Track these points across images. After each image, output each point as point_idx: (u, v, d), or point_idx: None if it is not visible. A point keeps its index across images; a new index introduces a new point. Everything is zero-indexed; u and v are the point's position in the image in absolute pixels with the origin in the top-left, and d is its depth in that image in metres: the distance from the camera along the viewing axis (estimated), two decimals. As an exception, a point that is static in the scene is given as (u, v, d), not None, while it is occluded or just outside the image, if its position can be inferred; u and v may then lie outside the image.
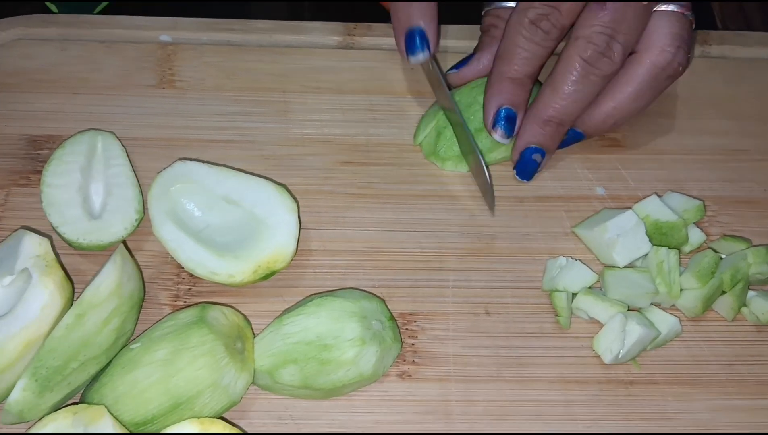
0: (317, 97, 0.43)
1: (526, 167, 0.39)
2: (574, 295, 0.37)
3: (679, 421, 0.34)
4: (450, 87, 0.41)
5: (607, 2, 0.36)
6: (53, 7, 0.49)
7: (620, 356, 0.35)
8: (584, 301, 0.36)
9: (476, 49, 0.42)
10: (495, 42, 0.40)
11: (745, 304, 0.37)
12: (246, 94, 0.43)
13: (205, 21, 0.45)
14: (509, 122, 0.38)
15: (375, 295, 0.36)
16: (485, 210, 0.40)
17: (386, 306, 0.35)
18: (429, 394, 0.34)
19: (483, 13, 0.42)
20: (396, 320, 0.35)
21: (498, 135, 0.38)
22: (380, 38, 0.45)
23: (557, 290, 0.36)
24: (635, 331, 0.35)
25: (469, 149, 0.39)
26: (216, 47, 0.44)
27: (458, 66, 0.42)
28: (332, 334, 0.32)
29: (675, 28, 0.38)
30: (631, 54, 0.38)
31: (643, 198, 0.39)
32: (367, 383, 0.34)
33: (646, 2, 0.37)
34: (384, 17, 0.45)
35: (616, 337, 0.35)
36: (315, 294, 0.35)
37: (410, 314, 0.37)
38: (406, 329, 0.36)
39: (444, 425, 0.34)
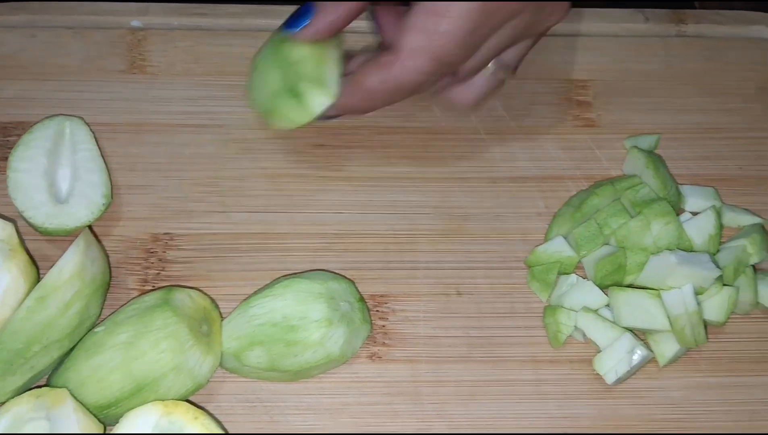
0: (289, 81, 0.43)
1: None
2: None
3: (650, 398, 0.34)
4: None
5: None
6: None
7: (621, 378, 0.34)
8: (585, 321, 0.34)
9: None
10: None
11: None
12: (217, 78, 0.42)
13: (176, 6, 0.45)
14: (304, 14, 0.33)
15: (344, 277, 0.36)
16: (458, 191, 0.39)
17: (356, 287, 0.35)
18: (399, 376, 0.34)
19: None
20: (366, 302, 0.35)
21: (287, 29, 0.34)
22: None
23: (562, 307, 0.35)
24: (641, 355, 0.34)
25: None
26: (186, 32, 0.44)
27: (295, 22, 0.35)
28: (298, 315, 0.32)
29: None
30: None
31: (616, 177, 0.39)
32: (335, 365, 0.34)
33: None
34: None
35: (623, 359, 0.34)
36: (283, 276, 0.35)
37: (381, 296, 0.36)
38: (377, 311, 0.36)
39: (413, 406, 0.33)
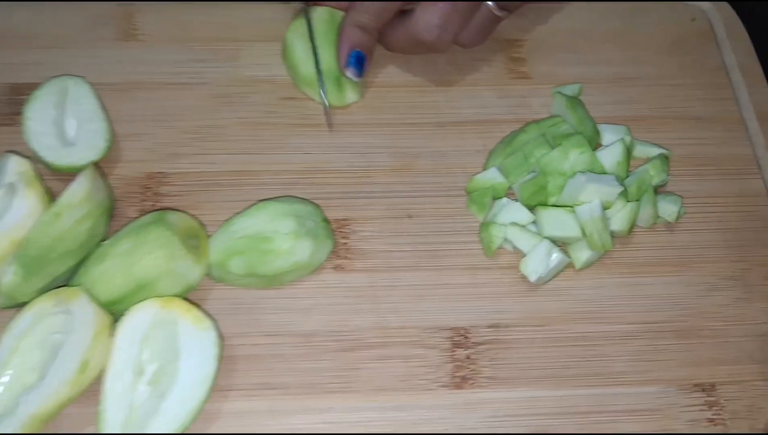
0: (263, 45, 0.49)
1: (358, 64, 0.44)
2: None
3: (568, 296, 0.40)
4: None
5: None
6: None
7: (542, 277, 0.40)
8: (513, 233, 0.41)
9: None
10: None
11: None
12: (200, 44, 0.49)
13: (163, -19, 0.52)
14: (359, 61, 0.44)
15: (310, 201, 0.42)
16: (409, 134, 0.46)
17: (321, 211, 0.41)
18: (359, 282, 0.41)
19: None
20: (330, 223, 0.42)
21: (350, 73, 0.44)
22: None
23: (495, 223, 0.42)
24: (558, 257, 0.40)
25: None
26: (173, 3, 0.50)
27: None
28: (271, 229, 0.38)
29: (482, 19, 0.43)
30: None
31: (544, 118, 0.45)
32: (304, 272, 0.40)
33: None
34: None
35: (542, 261, 0.40)
36: (258, 201, 0.42)
37: (343, 220, 0.43)
38: (340, 232, 0.42)
39: (371, 305, 0.40)
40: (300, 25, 0.47)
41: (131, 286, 0.36)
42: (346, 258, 0.42)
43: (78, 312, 0.35)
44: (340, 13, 0.47)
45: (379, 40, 0.45)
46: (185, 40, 0.49)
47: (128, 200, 0.43)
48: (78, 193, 0.37)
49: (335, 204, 0.43)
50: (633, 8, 0.52)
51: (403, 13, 0.44)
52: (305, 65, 0.46)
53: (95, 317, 0.35)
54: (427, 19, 0.41)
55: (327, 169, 0.44)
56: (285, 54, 0.47)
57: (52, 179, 0.43)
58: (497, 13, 0.43)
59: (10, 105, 0.46)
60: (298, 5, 0.48)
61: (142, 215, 0.42)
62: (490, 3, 0.42)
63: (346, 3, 0.45)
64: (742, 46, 0.50)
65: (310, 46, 0.46)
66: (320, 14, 0.47)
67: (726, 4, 0.52)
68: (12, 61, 0.47)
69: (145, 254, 0.36)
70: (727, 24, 0.51)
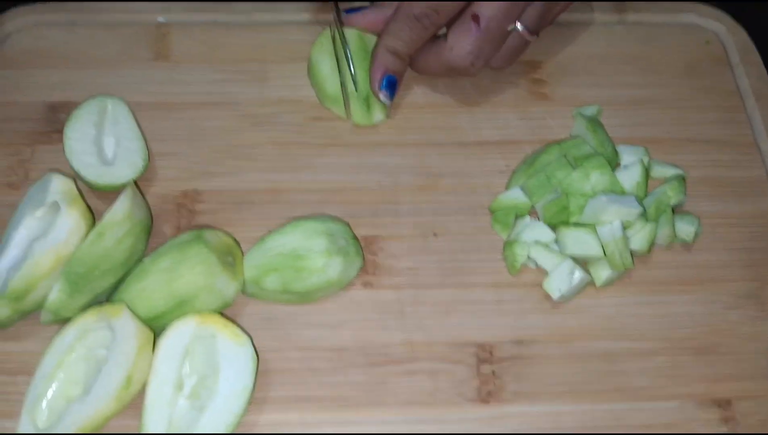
0: (291, 66, 0.50)
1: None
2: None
3: (590, 313, 0.41)
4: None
5: (480, 24, 0.42)
6: None
7: (565, 295, 0.42)
8: (536, 251, 0.42)
9: (372, 4, 0.48)
10: (387, 7, 0.47)
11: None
12: (230, 65, 0.50)
13: (194, 4, 0.53)
14: (391, 86, 0.45)
15: (341, 220, 0.43)
16: (434, 154, 0.47)
17: (350, 228, 0.43)
18: (386, 299, 0.42)
19: None
20: (359, 240, 0.43)
21: (382, 96, 0.45)
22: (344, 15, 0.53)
23: (518, 241, 0.43)
24: (579, 276, 0.41)
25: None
26: (204, 26, 0.52)
27: (351, 11, 0.48)
28: (305, 247, 0.40)
29: (512, 45, 0.45)
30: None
31: (565, 139, 0.46)
32: (335, 289, 0.41)
33: (510, 29, 0.44)
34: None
35: (564, 280, 0.41)
36: (292, 219, 0.43)
37: (372, 237, 0.44)
38: (368, 249, 0.44)
39: (398, 322, 0.41)
40: (325, 42, 0.49)
41: (171, 302, 0.38)
42: (374, 274, 0.43)
43: (120, 328, 0.36)
44: (368, 35, 0.48)
45: (410, 63, 0.47)
46: (216, 61, 0.50)
47: (164, 217, 0.44)
48: (120, 212, 0.38)
49: (363, 222, 0.44)
50: (650, 32, 0.53)
51: (434, 37, 0.46)
52: (330, 83, 0.47)
53: (138, 333, 0.36)
54: (461, 46, 0.42)
55: (355, 187, 0.46)
56: (310, 72, 0.49)
57: (92, 196, 0.44)
58: (527, 38, 0.45)
59: (48, 123, 0.47)
60: (324, 25, 0.49)
61: (178, 232, 0.44)
62: (520, 28, 0.44)
63: (377, 24, 0.47)
64: (755, 70, 0.52)
65: (335, 64, 0.48)
66: (346, 34, 0.49)
67: (740, 29, 0.54)
68: (49, 81, 0.49)
69: (185, 271, 0.38)
70: (740, 48, 0.53)
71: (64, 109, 0.47)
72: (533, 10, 0.44)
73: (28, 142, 0.46)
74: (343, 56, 0.47)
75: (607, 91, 0.50)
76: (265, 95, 0.49)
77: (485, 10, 0.42)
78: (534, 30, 0.45)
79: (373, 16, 0.47)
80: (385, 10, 0.47)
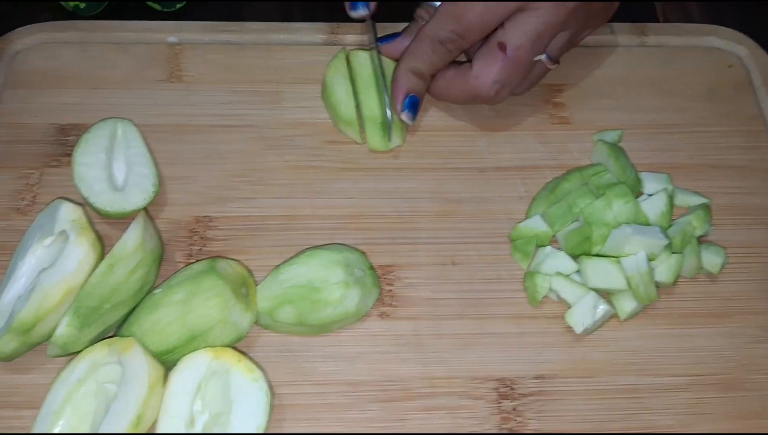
0: (306, 87, 0.49)
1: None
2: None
3: (613, 347, 0.40)
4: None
5: (507, 53, 0.42)
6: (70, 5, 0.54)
7: (588, 329, 0.40)
8: (558, 283, 0.41)
9: (403, 31, 0.48)
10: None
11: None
12: (244, 86, 0.49)
13: (207, 24, 0.52)
14: (414, 105, 0.44)
15: (357, 249, 0.42)
16: (452, 179, 0.46)
17: (367, 258, 0.42)
18: (404, 330, 0.41)
19: (419, 6, 0.48)
20: (375, 270, 0.42)
21: (405, 116, 0.44)
22: (360, 35, 0.52)
23: (539, 272, 0.42)
24: (603, 309, 0.40)
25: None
26: (217, 46, 0.51)
27: (385, 39, 0.47)
28: (321, 278, 0.39)
29: (535, 73, 0.44)
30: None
31: (586, 166, 0.45)
32: (351, 320, 0.40)
33: (536, 60, 0.43)
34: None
35: (587, 313, 0.40)
36: (307, 248, 0.42)
37: (388, 266, 0.43)
38: (385, 278, 0.43)
39: (417, 354, 0.40)
40: (339, 66, 0.48)
41: (184, 336, 0.37)
42: (391, 305, 0.42)
43: (131, 364, 0.35)
44: (381, 57, 0.47)
45: (430, 89, 0.46)
46: (230, 82, 0.49)
47: (176, 245, 0.43)
48: (131, 242, 0.37)
49: (380, 250, 0.43)
50: (671, 55, 0.52)
51: (455, 62, 0.45)
52: (345, 106, 0.46)
53: (149, 369, 0.35)
54: (487, 75, 0.41)
55: (372, 214, 0.45)
56: (325, 95, 0.48)
57: (102, 223, 0.43)
58: (550, 66, 0.44)
59: (58, 146, 0.46)
60: (340, 47, 0.48)
61: (190, 259, 0.42)
62: (544, 58, 0.43)
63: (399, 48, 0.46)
64: (779, 94, 0.51)
65: (350, 88, 0.47)
66: (360, 57, 0.48)
67: (762, 52, 0.53)
68: (59, 102, 0.48)
69: (199, 304, 0.37)
70: (763, 71, 0.52)
71: (74, 132, 0.47)
72: (560, 39, 0.43)
73: (36, 166, 0.45)
74: (368, 80, 0.46)
75: (627, 115, 0.49)
76: (279, 118, 0.48)
77: (513, 39, 0.41)
78: (557, 59, 0.44)
79: (408, 43, 0.46)
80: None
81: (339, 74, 0.47)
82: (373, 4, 0.46)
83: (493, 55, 0.41)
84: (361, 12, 0.46)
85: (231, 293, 0.38)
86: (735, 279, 0.43)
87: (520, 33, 0.41)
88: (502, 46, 0.41)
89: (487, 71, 0.41)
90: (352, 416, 0.38)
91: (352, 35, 0.52)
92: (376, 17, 0.47)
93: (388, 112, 0.45)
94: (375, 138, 0.46)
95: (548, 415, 0.39)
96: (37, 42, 0.51)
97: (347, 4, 0.46)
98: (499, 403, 0.39)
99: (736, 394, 0.40)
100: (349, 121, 0.46)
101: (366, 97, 0.46)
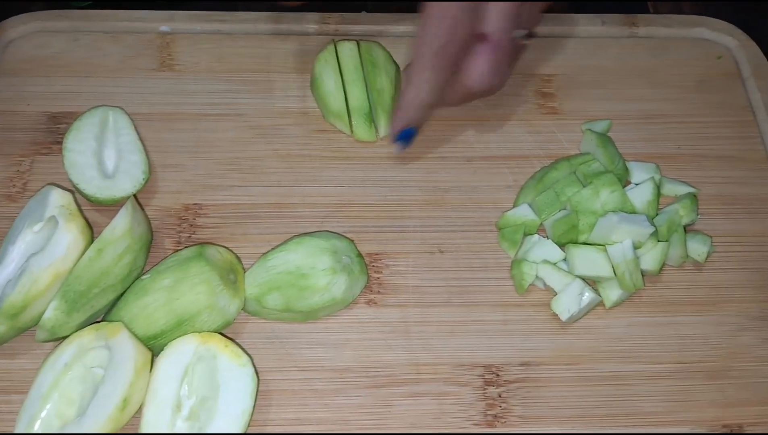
0: (296, 77, 0.49)
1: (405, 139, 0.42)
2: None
3: (598, 334, 0.41)
4: None
5: (488, 42, 0.39)
6: None
7: (574, 316, 0.41)
8: (545, 271, 0.41)
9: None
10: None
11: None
12: (235, 75, 0.49)
13: (198, 13, 0.52)
14: (409, 138, 0.42)
15: (345, 237, 0.42)
16: (440, 168, 0.46)
17: (355, 246, 0.42)
18: (391, 317, 0.41)
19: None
20: (363, 258, 0.42)
21: (396, 149, 0.42)
22: (350, 26, 0.52)
23: (526, 260, 0.42)
24: (589, 297, 0.41)
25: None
26: (208, 36, 0.51)
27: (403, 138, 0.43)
28: (308, 265, 0.39)
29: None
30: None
31: (574, 155, 0.46)
32: (339, 307, 0.40)
33: (518, 36, 0.40)
34: (353, 8, 0.53)
35: (573, 301, 0.41)
36: (295, 236, 0.42)
37: (376, 254, 0.43)
38: (373, 266, 0.43)
39: (403, 341, 0.40)
40: (328, 57, 0.48)
41: (171, 321, 0.37)
42: (378, 293, 0.42)
43: (119, 348, 0.35)
44: (368, 47, 0.47)
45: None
46: (220, 71, 0.49)
47: (165, 232, 0.43)
48: (119, 228, 0.38)
49: (368, 238, 0.44)
50: (661, 46, 0.52)
51: None
52: (334, 98, 0.47)
53: (136, 353, 0.35)
54: (478, 71, 0.40)
55: (360, 202, 0.45)
56: (314, 87, 0.48)
57: (91, 210, 0.43)
58: (526, 42, 0.42)
59: (49, 134, 0.46)
60: (328, 40, 0.48)
61: (179, 247, 0.43)
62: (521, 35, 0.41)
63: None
64: (767, 84, 0.51)
65: (339, 79, 0.47)
66: (347, 48, 0.48)
67: (752, 43, 0.53)
68: (51, 90, 0.48)
69: (187, 290, 0.37)
70: (752, 62, 0.52)
71: (65, 120, 0.47)
72: (531, 10, 0.41)
73: (27, 153, 0.45)
74: (355, 71, 0.46)
75: (617, 106, 0.50)
76: (269, 107, 0.48)
77: (492, 26, 0.40)
78: (532, 32, 0.42)
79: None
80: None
81: (328, 66, 0.47)
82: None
83: (477, 49, 0.41)
84: (401, 149, 0.42)
85: (218, 279, 0.38)
86: (721, 268, 0.44)
87: (496, 17, 0.39)
88: (482, 37, 0.41)
89: (476, 67, 0.40)
90: (339, 402, 0.39)
91: (342, 25, 0.52)
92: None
93: (376, 104, 0.45)
94: (361, 129, 0.46)
95: (533, 402, 0.39)
96: (30, 31, 0.51)
97: (392, 141, 0.42)
98: (485, 389, 0.39)
99: (722, 381, 0.40)
100: (338, 113, 0.47)
101: (352, 88, 0.46)
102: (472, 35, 0.40)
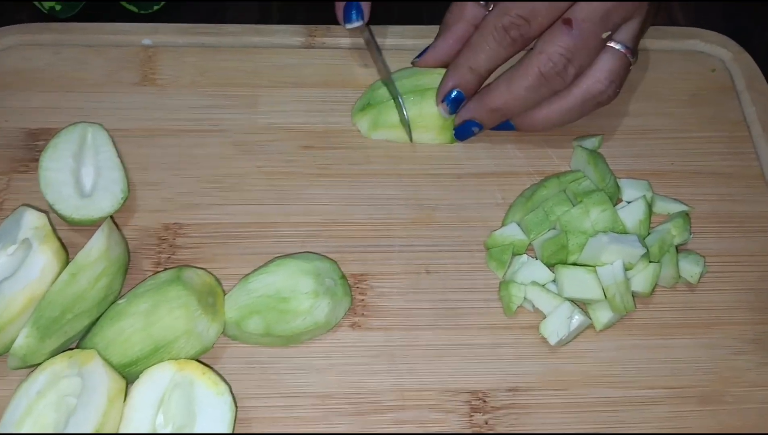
0: (282, 91, 0.48)
1: (464, 133, 0.45)
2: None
3: (588, 358, 0.40)
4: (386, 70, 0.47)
5: (573, 27, 0.40)
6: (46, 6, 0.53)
7: (563, 340, 0.40)
8: (533, 293, 0.40)
9: (436, 38, 0.47)
10: (450, 33, 0.45)
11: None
12: (219, 89, 0.48)
13: (182, 26, 0.51)
14: (456, 103, 0.44)
15: (329, 258, 0.41)
16: (428, 185, 0.45)
17: (338, 267, 0.41)
18: (376, 341, 0.40)
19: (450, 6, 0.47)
20: (347, 279, 0.41)
21: (443, 109, 0.44)
22: (338, 38, 0.51)
23: (514, 282, 0.41)
24: (578, 320, 0.39)
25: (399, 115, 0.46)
26: (192, 49, 0.50)
27: (420, 55, 0.47)
28: (290, 288, 0.38)
29: (615, 66, 0.43)
30: None
31: (564, 172, 0.45)
32: (321, 331, 0.39)
33: (604, 36, 0.41)
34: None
35: (562, 324, 0.39)
36: (277, 257, 0.41)
37: (361, 275, 0.42)
38: (357, 287, 0.42)
39: (388, 366, 0.39)
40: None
41: (148, 347, 0.36)
42: (362, 315, 0.41)
43: (92, 376, 0.34)
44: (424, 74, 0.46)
45: (519, 124, 0.44)
46: (204, 85, 0.48)
47: (144, 253, 0.42)
48: (95, 251, 0.36)
49: (353, 258, 0.42)
50: (653, 58, 0.51)
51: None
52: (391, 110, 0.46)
53: (110, 381, 0.34)
54: (552, 49, 0.40)
55: (345, 221, 0.44)
56: (365, 106, 0.46)
57: (68, 230, 0.42)
58: (629, 57, 0.42)
59: (27, 150, 0.45)
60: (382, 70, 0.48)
61: (158, 268, 0.42)
62: (617, 46, 0.42)
63: (449, 57, 0.45)
64: (762, 99, 0.50)
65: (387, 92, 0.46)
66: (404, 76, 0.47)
67: (746, 55, 0.52)
68: (30, 105, 0.47)
69: (164, 314, 0.36)
70: (747, 75, 0.51)
71: (44, 137, 0.46)
72: (630, 28, 0.42)
73: (4, 171, 0.44)
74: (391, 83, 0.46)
75: (608, 121, 0.49)
76: (254, 122, 0.47)
77: (579, 13, 0.40)
78: (633, 49, 0.42)
79: (442, 50, 0.45)
80: (449, 41, 0.45)
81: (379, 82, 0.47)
82: (366, 11, 0.45)
83: (558, 29, 0.40)
84: (356, 24, 0.45)
85: (197, 303, 0.37)
86: (715, 289, 0.43)
87: (588, 8, 0.39)
88: (568, 21, 0.40)
89: (551, 44, 0.40)
90: (321, 430, 0.37)
91: (329, 38, 0.51)
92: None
93: (405, 111, 0.45)
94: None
95: (521, 429, 0.38)
96: (10, 44, 0.50)
97: (340, 18, 0.45)
98: (471, 416, 0.38)
99: (716, 407, 0.39)
100: (396, 124, 0.46)
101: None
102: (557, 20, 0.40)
